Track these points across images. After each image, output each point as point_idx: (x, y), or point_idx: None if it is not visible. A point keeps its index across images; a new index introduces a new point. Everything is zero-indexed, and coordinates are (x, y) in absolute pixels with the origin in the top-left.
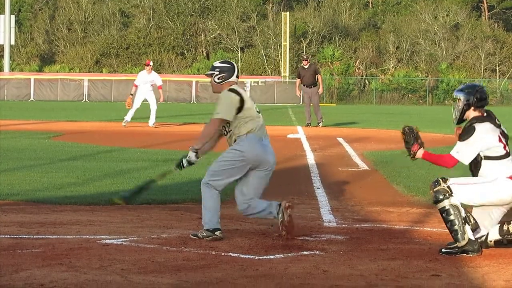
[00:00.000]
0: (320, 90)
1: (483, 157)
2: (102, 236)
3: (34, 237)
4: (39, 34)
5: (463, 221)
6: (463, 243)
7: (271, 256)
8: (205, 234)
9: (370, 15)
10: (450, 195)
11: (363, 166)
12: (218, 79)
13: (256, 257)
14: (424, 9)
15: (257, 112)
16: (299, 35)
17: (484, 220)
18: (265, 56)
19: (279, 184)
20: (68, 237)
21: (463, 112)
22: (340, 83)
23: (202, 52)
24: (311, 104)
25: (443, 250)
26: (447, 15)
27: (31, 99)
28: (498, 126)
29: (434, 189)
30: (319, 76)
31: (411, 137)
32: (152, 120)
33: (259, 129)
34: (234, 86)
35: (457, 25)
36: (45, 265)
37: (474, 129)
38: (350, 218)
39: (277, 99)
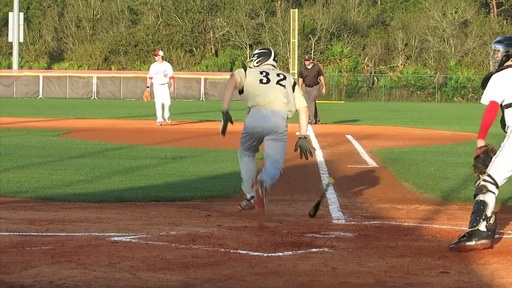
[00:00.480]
0: (324, 91)
1: (504, 106)
2: (111, 234)
3: (43, 234)
4: (48, 32)
5: (483, 217)
6: (470, 229)
7: (280, 253)
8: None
9: (379, 12)
10: (489, 191)
11: (372, 163)
12: (257, 63)
13: (265, 254)
14: (432, 6)
15: (263, 83)
16: (308, 32)
17: None
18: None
19: (288, 181)
20: (77, 234)
21: (502, 62)
22: (349, 80)
23: (211, 49)
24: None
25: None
26: (455, 12)
27: (40, 97)
28: None
29: (476, 185)
30: (322, 78)
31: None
32: (165, 115)
33: (262, 103)
34: (261, 67)
35: (465, 22)
36: (54, 263)
37: (491, 74)
38: (359, 215)
39: None
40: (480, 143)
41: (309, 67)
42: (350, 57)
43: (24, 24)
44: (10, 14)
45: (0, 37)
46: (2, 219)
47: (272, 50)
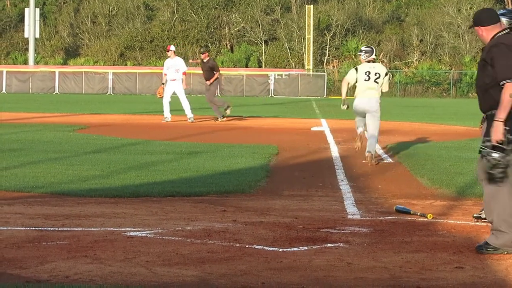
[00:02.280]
0: (209, 82)
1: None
2: (127, 229)
3: (59, 229)
4: (64, 27)
5: None
6: None
7: (295, 249)
8: None
9: (394, 8)
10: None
11: (387, 158)
12: (365, 57)
13: (280, 250)
14: (447, 2)
15: (366, 80)
16: (323, 28)
17: None
18: (289, 49)
19: (304, 176)
20: (93, 229)
21: None
22: None
23: (226, 45)
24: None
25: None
26: (470, 8)
27: (55, 92)
28: None
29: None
30: (216, 73)
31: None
32: (188, 113)
33: (361, 92)
34: (365, 66)
35: None
36: (70, 257)
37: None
38: (374, 211)
39: (301, 92)
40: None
41: (205, 60)
42: None
43: (40, 20)
44: (26, 10)
45: (16, 33)
46: (18, 214)
47: (373, 48)
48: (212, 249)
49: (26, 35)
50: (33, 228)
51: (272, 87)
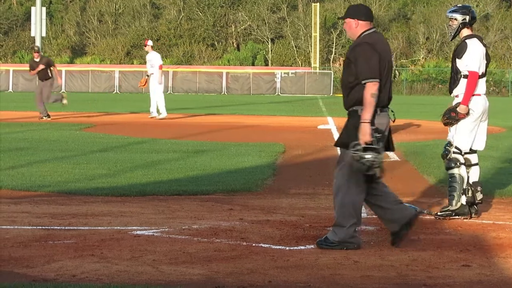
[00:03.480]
0: (59, 81)
1: (463, 76)
2: (134, 227)
3: (66, 228)
4: (70, 26)
5: (462, 191)
6: (454, 207)
7: (302, 247)
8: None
9: (400, 6)
10: (461, 164)
11: (393, 157)
12: None
13: (287, 248)
14: (454, 0)
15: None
16: (329, 26)
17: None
18: (295, 47)
19: (310, 174)
20: (99, 228)
21: (458, 30)
22: None
23: (233, 43)
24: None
25: (438, 213)
26: (477, 6)
27: (62, 91)
28: (484, 45)
29: (447, 158)
30: (53, 69)
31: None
32: (154, 110)
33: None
34: None
35: (487, 16)
36: (76, 256)
37: (466, 44)
38: None
39: (308, 90)
40: (466, 109)
41: (37, 60)
42: None
43: (46, 19)
44: (33, 8)
45: (23, 32)
46: (25, 213)
47: None
48: (219, 248)
49: (32, 34)
50: (40, 227)
51: (278, 85)
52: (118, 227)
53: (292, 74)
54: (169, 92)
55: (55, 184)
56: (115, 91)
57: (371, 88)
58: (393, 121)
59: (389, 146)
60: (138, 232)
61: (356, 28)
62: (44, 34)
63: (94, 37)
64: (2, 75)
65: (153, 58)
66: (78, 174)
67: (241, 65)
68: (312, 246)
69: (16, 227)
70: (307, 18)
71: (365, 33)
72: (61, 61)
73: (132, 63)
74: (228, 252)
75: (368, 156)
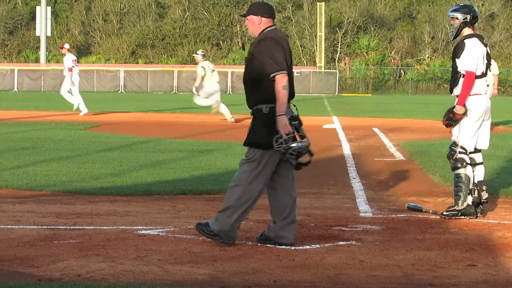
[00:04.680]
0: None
1: (462, 75)
2: (139, 227)
3: (71, 227)
4: (75, 26)
5: (468, 191)
6: (461, 207)
7: (307, 247)
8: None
9: (405, 5)
10: (467, 164)
11: (399, 156)
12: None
13: (292, 248)
14: None
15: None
16: (335, 26)
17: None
18: (301, 46)
19: (315, 174)
20: (104, 227)
21: (459, 29)
22: (376, 73)
23: (238, 42)
24: None
25: (444, 213)
26: (482, 5)
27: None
28: (485, 45)
29: (453, 158)
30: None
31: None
32: (76, 104)
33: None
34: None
35: (492, 15)
36: (82, 256)
37: (464, 44)
38: (386, 208)
39: (313, 89)
40: (462, 109)
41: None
42: (377, 50)
43: (51, 18)
44: (38, 8)
45: (28, 31)
46: (30, 213)
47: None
48: (224, 247)
49: (37, 33)
50: (45, 227)
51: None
52: (123, 227)
53: (298, 73)
54: (174, 91)
55: (60, 183)
56: (120, 91)
57: (281, 81)
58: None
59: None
60: (143, 232)
61: (259, 24)
62: (49, 34)
63: (99, 37)
64: (7, 74)
65: (65, 60)
66: (83, 173)
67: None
68: (318, 246)
69: (21, 226)
70: (312, 18)
71: (267, 29)
72: None
73: (137, 63)
74: (233, 251)
75: (294, 145)
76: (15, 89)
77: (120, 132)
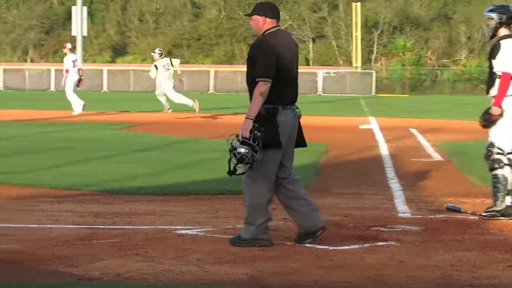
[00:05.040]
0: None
1: (498, 76)
2: (177, 227)
3: (110, 227)
4: (111, 25)
5: (506, 192)
6: (499, 208)
7: (346, 247)
8: None
9: (441, 6)
10: (505, 165)
11: (436, 156)
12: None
13: (331, 248)
14: None
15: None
16: (371, 26)
17: None
18: (337, 46)
19: (353, 174)
20: (143, 227)
21: (495, 30)
22: (412, 74)
23: None
24: None
25: (483, 213)
26: None
27: (103, 90)
28: None
29: (490, 159)
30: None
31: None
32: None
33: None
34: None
35: None
36: (121, 255)
37: (500, 44)
38: (425, 209)
39: (349, 89)
40: (498, 110)
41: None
42: (413, 50)
43: (87, 18)
44: (73, 8)
45: (64, 31)
46: (68, 212)
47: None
48: (263, 247)
49: (73, 33)
50: (84, 226)
51: (320, 84)
52: (162, 226)
53: (334, 74)
54: (210, 91)
55: (98, 183)
56: (156, 90)
57: (260, 87)
58: (299, 117)
59: (299, 142)
60: (182, 231)
61: (263, 25)
62: (85, 34)
63: (135, 37)
64: (43, 74)
65: (65, 61)
66: (120, 173)
67: None
68: (357, 246)
69: (60, 226)
70: (348, 18)
71: (269, 31)
72: (102, 60)
73: None
74: (272, 251)
75: (242, 150)
76: (52, 88)
77: (156, 132)
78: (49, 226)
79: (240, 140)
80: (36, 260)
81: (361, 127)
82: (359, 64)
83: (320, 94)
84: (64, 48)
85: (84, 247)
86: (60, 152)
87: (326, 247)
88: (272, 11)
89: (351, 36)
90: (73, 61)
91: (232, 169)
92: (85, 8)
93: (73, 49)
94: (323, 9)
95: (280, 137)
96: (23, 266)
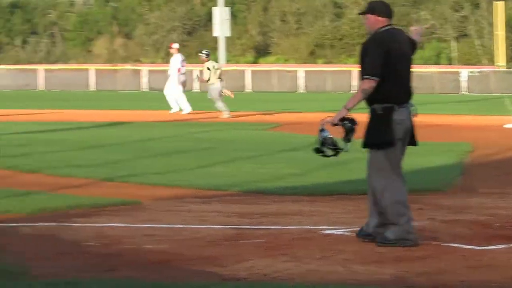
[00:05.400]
0: None
1: None
2: (323, 227)
3: (256, 227)
4: (253, 26)
5: None
6: None
7: (493, 247)
8: None
9: None
10: None
11: None
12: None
13: (478, 248)
14: None
15: None
16: None
17: None
18: (479, 45)
19: (498, 174)
20: (289, 227)
21: None
22: None
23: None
24: None
25: None
26: None
27: (246, 90)
28: None
29: None
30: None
31: None
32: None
33: None
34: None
35: None
36: (267, 255)
37: None
38: None
39: (493, 89)
40: None
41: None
42: None
43: (230, 19)
44: (214, 9)
45: (206, 32)
46: (214, 212)
47: None
48: (409, 248)
49: (214, 34)
50: (230, 226)
51: (463, 84)
52: (308, 226)
53: (478, 73)
54: (353, 91)
55: (244, 183)
56: (299, 91)
57: (365, 84)
58: (415, 115)
59: (412, 140)
60: (328, 232)
61: (375, 23)
62: (228, 34)
63: (277, 37)
64: (186, 75)
65: (174, 61)
66: (265, 173)
67: (424, 64)
68: (504, 246)
69: (206, 226)
70: (491, 17)
71: (381, 29)
72: (246, 61)
73: (316, 63)
74: (418, 252)
75: (325, 133)
76: (194, 89)
77: (301, 132)
78: (196, 226)
79: (326, 122)
80: (183, 260)
81: (505, 126)
82: (503, 63)
83: (463, 94)
84: (170, 48)
85: (230, 247)
86: (205, 153)
87: (473, 247)
88: (384, 11)
89: (494, 35)
90: (181, 61)
91: (318, 148)
92: (228, 9)
93: (214, 50)
94: (465, 8)
95: (395, 135)
96: (170, 266)
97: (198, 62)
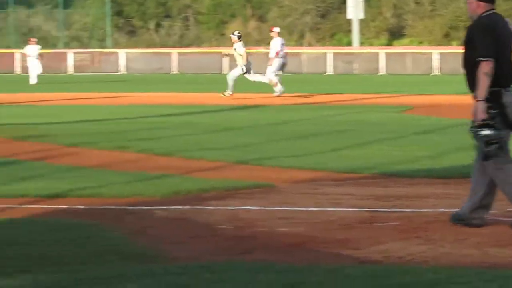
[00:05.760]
0: None
1: None
2: (457, 209)
3: (390, 210)
4: (387, 8)
5: None
6: None
7: None
8: None
9: None
10: None
11: None
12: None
13: None
14: None
15: None
16: None
17: None
18: None
19: None
20: (423, 210)
21: None
22: None
23: None
24: None
25: None
26: None
27: (380, 73)
28: None
29: None
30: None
31: None
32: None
33: None
34: None
35: None
36: (401, 238)
37: None
38: None
39: None
40: None
41: None
42: None
43: (363, 2)
44: None
45: (339, 14)
46: (349, 195)
47: None
48: None
49: (348, 17)
50: (364, 209)
51: None
52: (442, 209)
53: None
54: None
55: (378, 165)
56: (433, 73)
57: (483, 67)
58: None
59: None
60: None
61: (477, 8)
62: (362, 17)
63: (412, 19)
64: (320, 58)
65: (273, 44)
66: (400, 156)
67: None
68: None
69: (340, 209)
70: None
71: (484, 14)
72: (379, 43)
73: (450, 45)
74: None
75: (484, 132)
76: (328, 72)
77: (434, 115)
78: (330, 209)
79: (477, 124)
80: (317, 243)
81: None
82: None
83: None
84: (271, 32)
85: (364, 230)
86: (341, 135)
87: None
88: None
89: None
90: (281, 44)
91: (484, 154)
92: None
93: (347, 33)
94: None
95: (509, 118)
96: (305, 249)
97: (331, 45)
